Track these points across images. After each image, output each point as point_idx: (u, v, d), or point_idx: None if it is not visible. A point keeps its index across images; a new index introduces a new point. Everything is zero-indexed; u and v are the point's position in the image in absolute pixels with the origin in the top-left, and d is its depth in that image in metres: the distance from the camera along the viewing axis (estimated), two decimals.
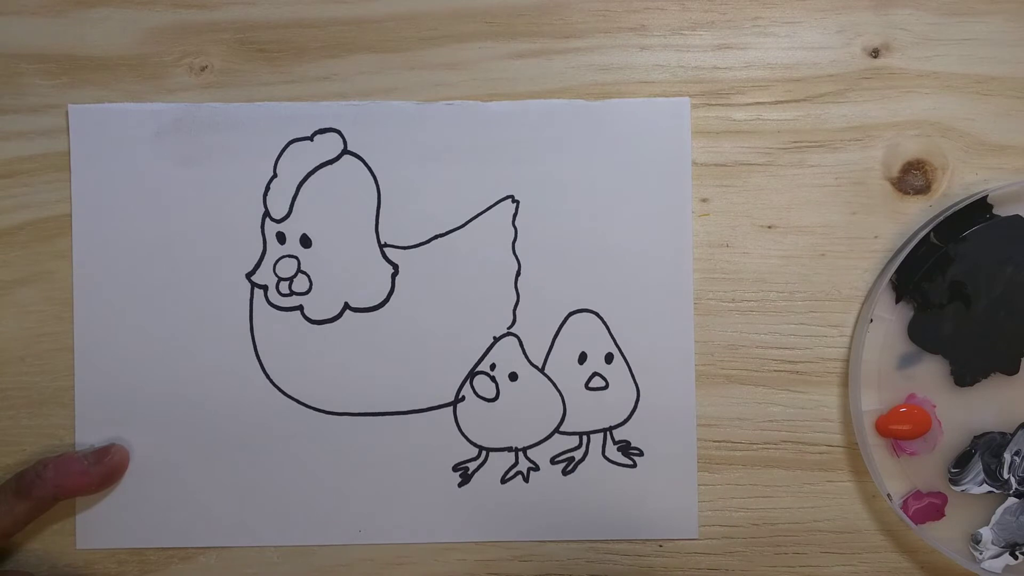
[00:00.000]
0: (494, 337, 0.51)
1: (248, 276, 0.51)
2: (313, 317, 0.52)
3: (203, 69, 0.52)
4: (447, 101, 0.52)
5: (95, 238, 0.51)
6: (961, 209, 0.50)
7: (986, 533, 0.51)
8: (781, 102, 0.52)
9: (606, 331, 0.52)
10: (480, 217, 0.52)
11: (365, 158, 0.52)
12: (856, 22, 0.52)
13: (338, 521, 0.52)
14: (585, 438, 0.52)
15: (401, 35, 0.52)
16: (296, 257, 0.51)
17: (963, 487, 0.51)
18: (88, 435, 0.51)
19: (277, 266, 0.51)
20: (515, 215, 0.51)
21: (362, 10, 0.52)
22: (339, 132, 0.52)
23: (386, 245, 0.52)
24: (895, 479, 0.51)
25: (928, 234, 0.50)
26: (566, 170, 0.52)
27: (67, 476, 0.48)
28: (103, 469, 0.49)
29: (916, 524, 0.50)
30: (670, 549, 0.52)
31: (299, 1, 0.52)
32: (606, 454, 0.52)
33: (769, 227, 0.52)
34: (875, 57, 0.52)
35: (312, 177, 0.51)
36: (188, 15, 0.52)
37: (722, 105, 0.52)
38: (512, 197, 0.52)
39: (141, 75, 0.52)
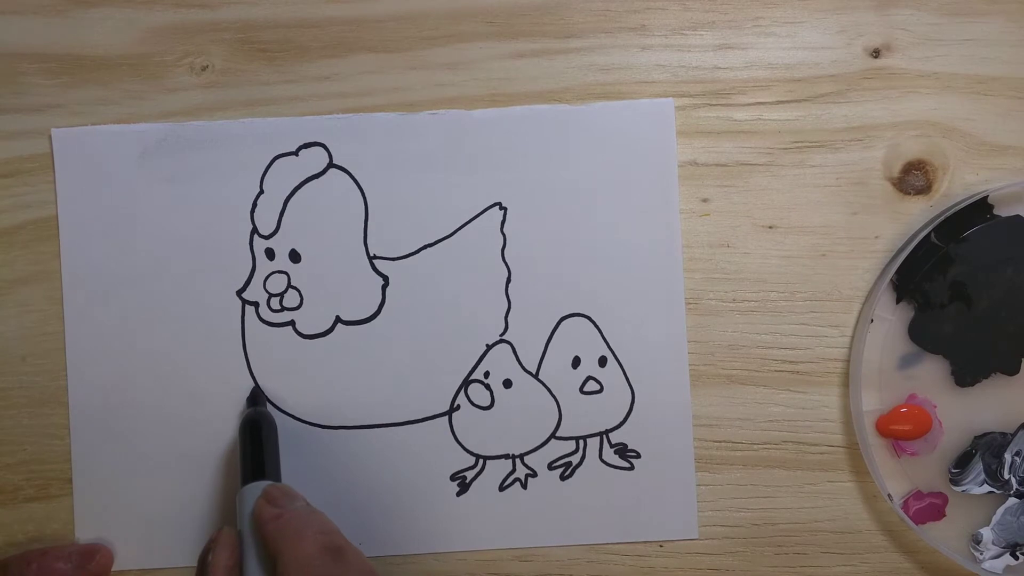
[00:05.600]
0: (487, 345, 0.51)
1: (239, 293, 0.51)
2: (305, 332, 0.52)
3: (204, 69, 0.52)
4: (431, 111, 0.52)
5: (83, 261, 0.51)
6: (962, 209, 0.50)
7: (987, 533, 0.51)
8: (782, 102, 0.52)
9: (599, 334, 0.52)
10: (468, 225, 0.52)
11: (351, 171, 0.52)
12: (857, 22, 0.52)
13: None
14: (582, 442, 0.52)
15: (401, 35, 0.52)
16: (286, 272, 0.51)
17: (964, 487, 0.51)
18: (83, 443, 0.51)
19: (267, 282, 0.51)
20: (503, 222, 0.51)
21: (362, 10, 0.52)
22: (324, 146, 0.52)
23: (375, 257, 0.52)
24: (896, 479, 0.51)
25: (929, 234, 0.50)
26: (553, 175, 0.52)
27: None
28: (86, 574, 0.49)
29: (917, 524, 0.50)
30: (671, 549, 0.52)
31: (300, 1, 0.52)
32: (603, 458, 0.52)
33: (770, 227, 0.52)
34: (876, 57, 0.52)
35: (299, 192, 0.51)
36: (189, 15, 0.52)
37: (723, 105, 0.52)
38: (500, 204, 0.51)
39: (141, 75, 0.52)
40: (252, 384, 0.51)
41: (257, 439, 0.49)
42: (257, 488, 0.46)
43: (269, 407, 0.51)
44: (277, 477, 0.48)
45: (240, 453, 0.49)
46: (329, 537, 0.43)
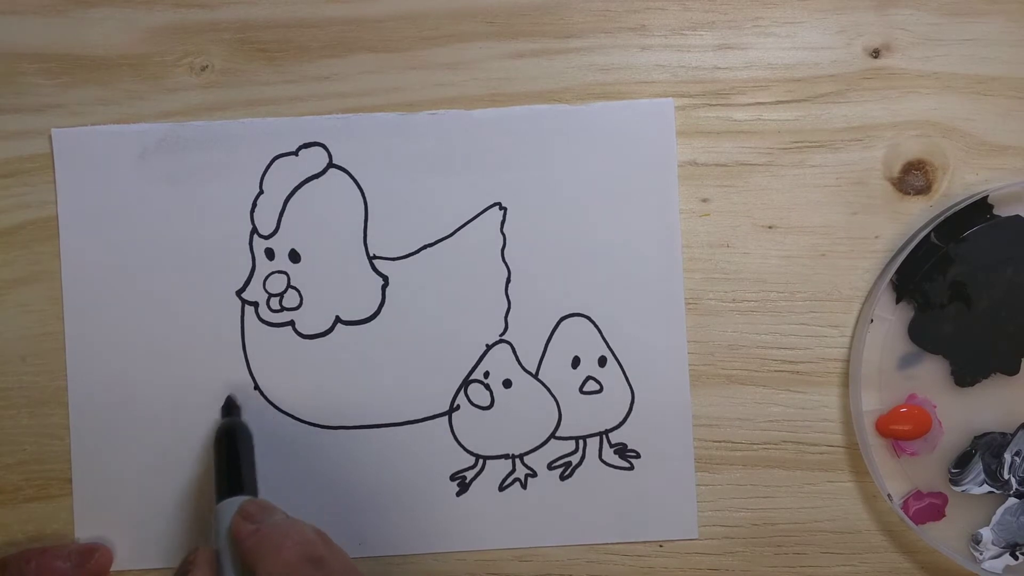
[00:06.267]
0: (487, 345, 0.51)
1: (238, 293, 0.51)
2: (305, 332, 0.52)
3: (204, 69, 0.52)
4: (430, 111, 0.52)
5: (83, 261, 0.51)
6: (962, 209, 0.50)
7: (986, 533, 0.51)
8: (782, 102, 0.52)
9: (598, 334, 0.52)
10: (468, 225, 0.52)
11: (351, 171, 0.52)
12: (857, 22, 0.52)
13: (338, 534, 0.50)
14: (581, 442, 0.52)
15: (401, 35, 0.52)
16: (285, 273, 0.51)
17: (963, 487, 0.51)
18: (83, 443, 0.51)
19: (267, 282, 0.51)
20: (503, 222, 0.51)
21: (362, 10, 0.52)
22: (324, 146, 0.52)
23: (375, 257, 0.52)
24: (895, 479, 0.51)
25: (929, 234, 0.50)
26: (552, 175, 0.52)
27: (48, 574, 0.48)
28: (85, 573, 0.49)
29: (916, 524, 0.50)
30: (670, 549, 0.52)
31: (300, 1, 0.52)
32: (603, 457, 0.52)
33: (770, 227, 0.52)
34: (876, 57, 0.52)
35: (298, 192, 0.51)
36: (188, 15, 0.52)
37: (722, 105, 0.52)
38: (499, 204, 0.51)
39: (141, 75, 0.52)
40: (252, 384, 0.51)
41: (233, 451, 0.48)
42: (234, 504, 0.45)
43: (268, 407, 0.51)
44: (254, 491, 0.48)
45: (215, 467, 0.48)
46: (309, 547, 0.43)
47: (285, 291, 0.51)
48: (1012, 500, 0.51)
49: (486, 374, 0.51)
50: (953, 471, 0.51)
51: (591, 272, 0.51)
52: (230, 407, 0.50)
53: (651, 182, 0.52)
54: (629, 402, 0.52)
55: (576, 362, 0.52)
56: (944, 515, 0.51)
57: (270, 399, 0.51)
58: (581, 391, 0.52)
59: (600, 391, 0.52)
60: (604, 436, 0.52)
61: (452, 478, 0.52)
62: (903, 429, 0.51)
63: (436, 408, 0.52)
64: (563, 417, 0.52)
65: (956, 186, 0.52)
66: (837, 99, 0.52)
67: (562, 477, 0.52)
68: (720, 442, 0.52)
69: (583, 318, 0.51)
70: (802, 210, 0.52)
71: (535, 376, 0.51)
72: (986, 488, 0.51)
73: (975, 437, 0.51)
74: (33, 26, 0.52)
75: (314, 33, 0.52)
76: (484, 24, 0.52)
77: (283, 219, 0.51)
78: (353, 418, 0.51)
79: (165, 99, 0.52)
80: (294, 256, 0.51)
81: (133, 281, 0.51)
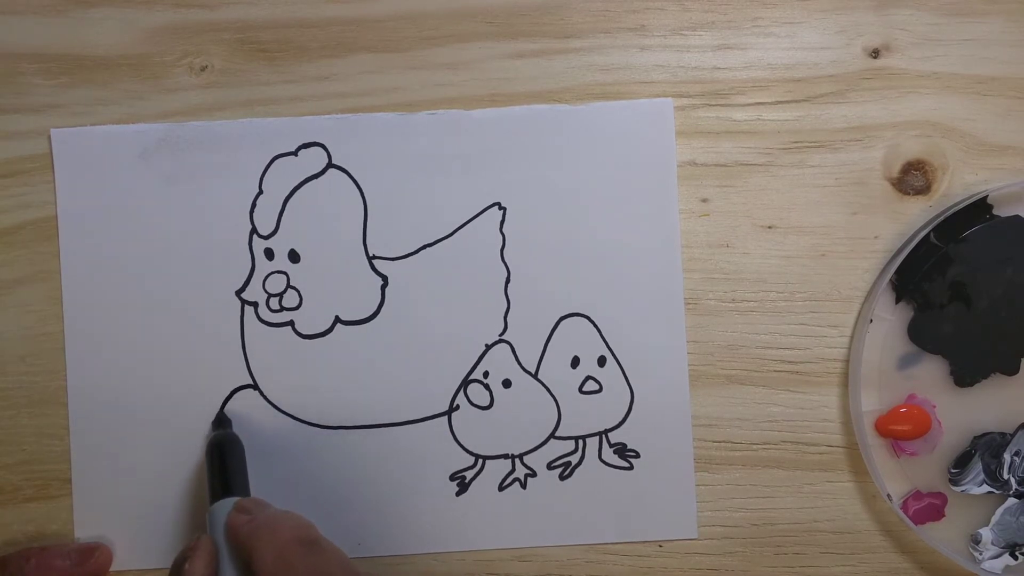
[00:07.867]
0: (486, 344, 0.51)
1: (238, 293, 0.51)
2: (304, 332, 0.52)
3: (203, 69, 0.52)
4: (430, 111, 0.52)
5: (83, 261, 0.51)
6: (961, 209, 0.50)
7: (986, 533, 0.51)
8: (781, 102, 0.52)
9: (598, 334, 0.52)
10: (467, 225, 0.52)
11: (350, 171, 0.52)
12: (856, 22, 0.52)
13: (337, 534, 0.51)
14: (581, 442, 0.52)
15: (401, 35, 0.52)
16: (285, 273, 0.51)
17: (963, 487, 0.51)
18: (82, 443, 0.51)
19: (266, 282, 0.51)
20: (502, 222, 0.51)
21: (362, 10, 0.52)
22: (323, 146, 0.52)
23: (374, 257, 0.52)
24: (895, 479, 0.51)
25: (928, 234, 0.50)
26: (552, 175, 0.52)
27: (48, 572, 0.48)
28: (84, 572, 0.49)
29: (916, 524, 0.50)
30: (670, 549, 0.52)
31: (299, 1, 0.52)
32: (603, 457, 0.52)
33: (769, 227, 0.52)
34: (875, 57, 0.52)
35: (298, 192, 0.51)
36: (188, 15, 0.52)
37: (722, 105, 0.52)
38: (499, 204, 0.51)
39: (141, 75, 0.52)
40: (251, 384, 0.51)
41: (224, 460, 0.49)
42: (226, 504, 0.46)
43: (268, 407, 0.51)
44: (246, 494, 0.48)
45: (208, 474, 0.49)
46: (303, 530, 0.43)
47: (285, 291, 0.51)
48: (1012, 500, 0.51)
49: (486, 374, 0.51)
50: (953, 471, 0.51)
51: (591, 272, 0.52)
52: (220, 420, 0.51)
53: (650, 182, 0.52)
54: (628, 402, 0.52)
55: (576, 362, 0.52)
56: (944, 515, 0.51)
57: (269, 399, 0.51)
58: (581, 391, 0.52)
59: (600, 391, 0.52)
60: (604, 436, 0.52)
61: (452, 478, 0.52)
62: (903, 429, 0.51)
63: (436, 408, 0.52)
64: (563, 417, 0.52)
65: (956, 186, 0.52)
66: (837, 99, 0.52)
67: (562, 477, 0.52)
68: (720, 442, 0.52)
69: (582, 318, 0.51)
70: (802, 210, 0.52)
71: (535, 376, 0.52)
72: (986, 488, 0.51)
73: (975, 437, 0.51)
74: (33, 26, 0.52)
75: (314, 33, 0.52)
76: (484, 24, 0.52)
77: (282, 219, 0.51)
78: (353, 418, 0.51)
79: (165, 99, 0.52)
80: (293, 256, 0.51)
81: (133, 281, 0.51)
